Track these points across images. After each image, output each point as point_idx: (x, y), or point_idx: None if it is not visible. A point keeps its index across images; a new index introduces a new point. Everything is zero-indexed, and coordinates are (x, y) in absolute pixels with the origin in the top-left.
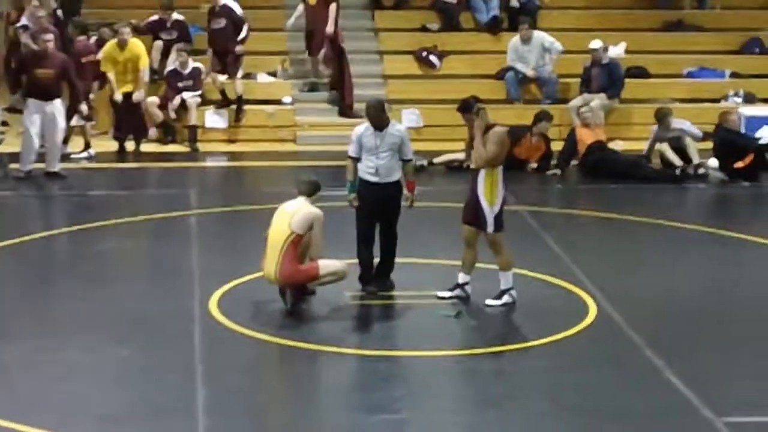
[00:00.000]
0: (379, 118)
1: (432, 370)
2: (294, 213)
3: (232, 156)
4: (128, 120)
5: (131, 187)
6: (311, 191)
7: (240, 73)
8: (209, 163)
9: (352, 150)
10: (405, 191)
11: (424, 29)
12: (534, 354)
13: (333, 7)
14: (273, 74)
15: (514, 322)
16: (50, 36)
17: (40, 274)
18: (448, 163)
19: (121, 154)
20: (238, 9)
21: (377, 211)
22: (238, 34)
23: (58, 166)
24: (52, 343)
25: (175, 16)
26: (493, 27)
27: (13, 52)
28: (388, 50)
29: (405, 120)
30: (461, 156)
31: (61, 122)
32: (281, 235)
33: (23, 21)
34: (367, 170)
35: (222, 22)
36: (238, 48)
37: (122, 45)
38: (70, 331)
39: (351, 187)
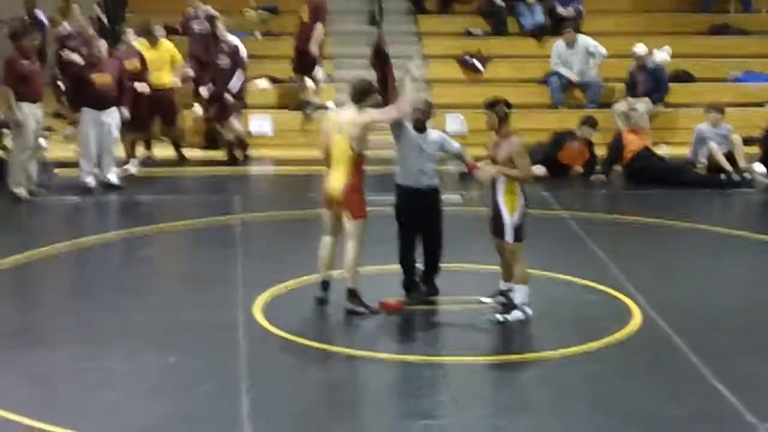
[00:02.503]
0: (426, 116)
1: (474, 376)
2: (348, 129)
3: (276, 161)
4: (155, 110)
5: (174, 192)
6: (359, 97)
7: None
8: (253, 168)
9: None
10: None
11: (468, 34)
12: (577, 360)
13: (319, 26)
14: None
15: (557, 328)
16: (104, 42)
17: (83, 281)
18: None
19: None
20: (243, 52)
21: (418, 217)
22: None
23: (114, 176)
24: (93, 351)
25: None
26: (538, 32)
27: (62, 64)
28: (432, 55)
29: (449, 125)
30: None
31: (116, 132)
32: (343, 153)
33: (68, 29)
34: (406, 174)
35: (226, 61)
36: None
37: (153, 42)
38: (112, 338)
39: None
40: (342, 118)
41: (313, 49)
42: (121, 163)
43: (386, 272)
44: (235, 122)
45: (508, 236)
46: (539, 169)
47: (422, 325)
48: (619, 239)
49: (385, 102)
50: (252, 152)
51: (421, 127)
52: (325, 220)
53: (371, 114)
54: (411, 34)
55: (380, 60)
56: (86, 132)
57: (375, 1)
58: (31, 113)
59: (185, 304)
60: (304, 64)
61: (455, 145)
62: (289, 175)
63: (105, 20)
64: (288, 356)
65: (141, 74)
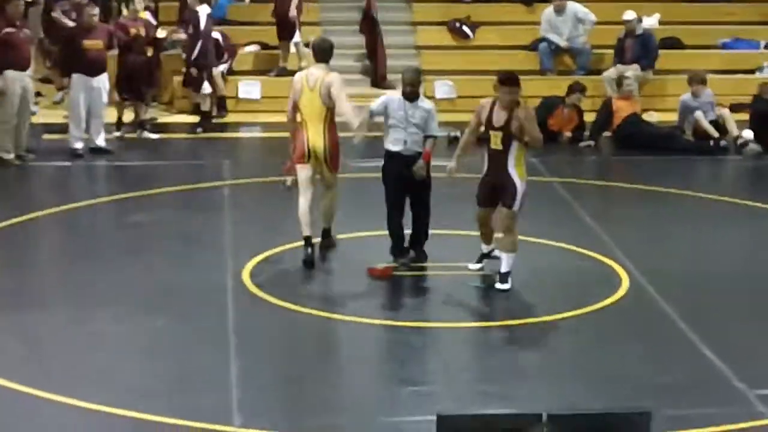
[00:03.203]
0: (416, 86)
1: (463, 341)
2: (320, 87)
3: (264, 126)
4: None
5: (162, 158)
6: (323, 56)
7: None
8: (241, 133)
9: (374, 107)
10: (420, 160)
11: (457, 0)
12: (566, 326)
13: None
14: (306, 45)
15: (546, 294)
16: (96, 9)
17: (72, 246)
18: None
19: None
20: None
21: (405, 182)
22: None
23: (103, 140)
24: (83, 314)
25: None
26: None
27: (49, 29)
28: (421, 21)
29: (438, 91)
30: None
31: (105, 97)
32: (319, 111)
33: None
34: (393, 141)
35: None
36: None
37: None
38: (102, 302)
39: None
40: (312, 77)
41: (292, 13)
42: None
43: (374, 237)
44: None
45: (516, 204)
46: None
47: (410, 291)
48: (607, 205)
49: (374, 67)
50: (241, 117)
51: (411, 97)
52: (301, 177)
53: (342, 97)
54: (400, 0)
55: (369, 25)
56: (76, 97)
57: None
58: (18, 80)
59: (174, 269)
60: (284, 30)
61: (434, 127)
62: (277, 140)
63: None
64: (276, 321)
65: (143, 41)
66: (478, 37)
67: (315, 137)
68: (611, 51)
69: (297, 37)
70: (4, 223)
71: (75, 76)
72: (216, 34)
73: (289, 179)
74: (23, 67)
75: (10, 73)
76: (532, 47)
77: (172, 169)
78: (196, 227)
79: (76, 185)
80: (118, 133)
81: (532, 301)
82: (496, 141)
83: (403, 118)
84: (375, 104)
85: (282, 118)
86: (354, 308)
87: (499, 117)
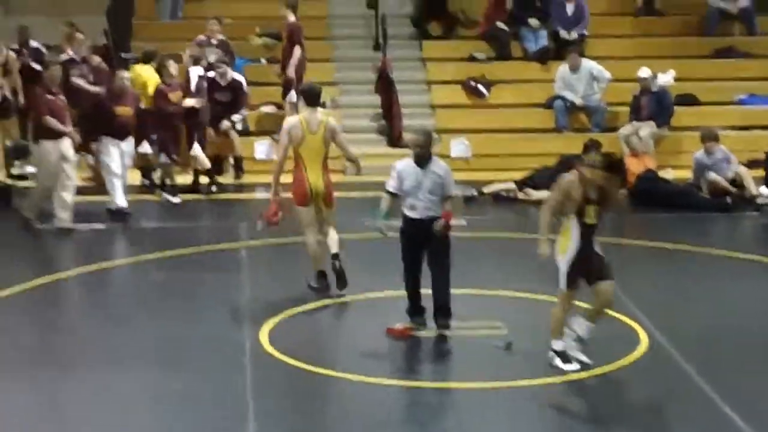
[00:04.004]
0: (426, 150)
1: (481, 402)
2: (323, 130)
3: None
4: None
5: (179, 219)
6: (315, 100)
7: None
8: (258, 194)
9: (391, 185)
10: (438, 222)
11: (472, 59)
12: (585, 385)
13: (296, 50)
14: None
15: None
16: (126, 73)
17: (93, 306)
18: (498, 193)
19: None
20: (245, 85)
21: (422, 245)
22: (237, 108)
23: (124, 202)
24: (102, 375)
25: (221, 36)
26: (542, 56)
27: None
28: (437, 80)
29: (454, 150)
30: (511, 186)
31: (130, 160)
32: (319, 153)
33: (70, 54)
34: (409, 207)
35: (227, 96)
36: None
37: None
38: (121, 362)
39: (383, 215)
40: (314, 121)
41: (290, 72)
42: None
43: (392, 298)
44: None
45: (560, 281)
46: (544, 194)
47: (428, 351)
48: (624, 263)
49: (390, 126)
50: (259, 178)
51: (421, 162)
52: (304, 217)
53: (346, 142)
54: (415, 59)
55: (384, 85)
56: (110, 159)
57: (380, 26)
58: (56, 148)
59: (192, 330)
60: (284, 89)
61: (450, 188)
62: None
63: (111, 47)
64: (294, 382)
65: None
66: (494, 96)
67: (316, 179)
68: (627, 108)
69: (293, 96)
70: (27, 285)
71: (105, 139)
72: (240, 78)
73: (260, 223)
74: (61, 135)
75: (47, 144)
76: (548, 105)
77: (190, 230)
78: (214, 288)
79: (96, 247)
80: (176, 199)
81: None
82: (591, 215)
83: (416, 185)
84: (391, 182)
85: None
86: (373, 369)
87: (594, 191)
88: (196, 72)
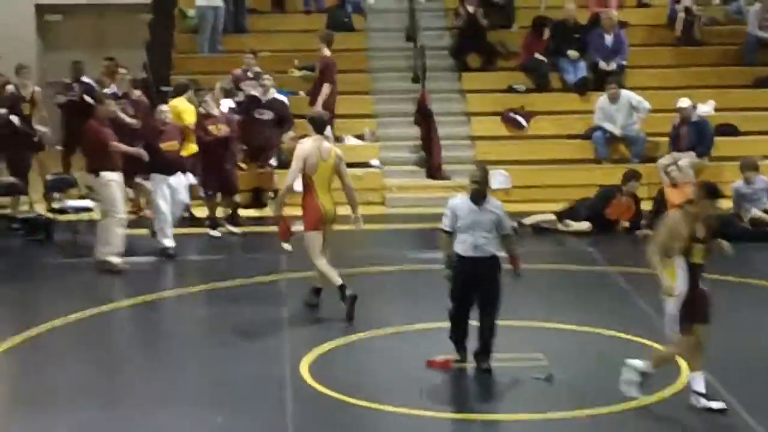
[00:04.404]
0: (485, 186)
1: None
2: (334, 158)
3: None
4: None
5: (219, 252)
6: (322, 128)
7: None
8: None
9: (446, 223)
10: (511, 267)
11: (510, 90)
12: (627, 418)
13: (325, 87)
14: (360, 137)
15: (606, 385)
16: (167, 107)
17: (135, 341)
18: (538, 224)
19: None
20: (287, 103)
21: (473, 285)
22: (282, 128)
23: (170, 242)
24: (144, 410)
25: (257, 68)
26: (581, 87)
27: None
28: (476, 111)
29: (493, 181)
30: (550, 217)
31: (184, 197)
32: (329, 179)
33: (112, 89)
34: (462, 245)
35: (268, 114)
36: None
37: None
38: (161, 397)
39: (449, 262)
40: (325, 149)
41: (317, 108)
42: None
43: (433, 329)
44: None
45: (665, 325)
46: (584, 225)
47: (469, 383)
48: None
49: (429, 158)
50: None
51: (478, 199)
52: (316, 242)
53: (347, 172)
54: (454, 91)
55: (423, 117)
56: (160, 196)
57: (418, 58)
58: (115, 180)
59: (233, 363)
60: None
61: (508, 226)
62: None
63: (150, 80)
64: (336, 415)
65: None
66: (533, 127)
67: (328, 203)
68: (666, 138)
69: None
70: (70, 319)
71: (154, 176)
72: (282, 97)
73: (288, 245)
74: (118, 168)
75: (109, 175)
76: (587, 136)
77: (229, 263)
78: (254, 321)
79: (138, 280)
80: (216, 233)
81: (590, 393)
82: (698, 254)
83: (472, 223)
84: (445, 220)
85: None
86: (414, 401)
87: (700, 229)
88: (226, 104)
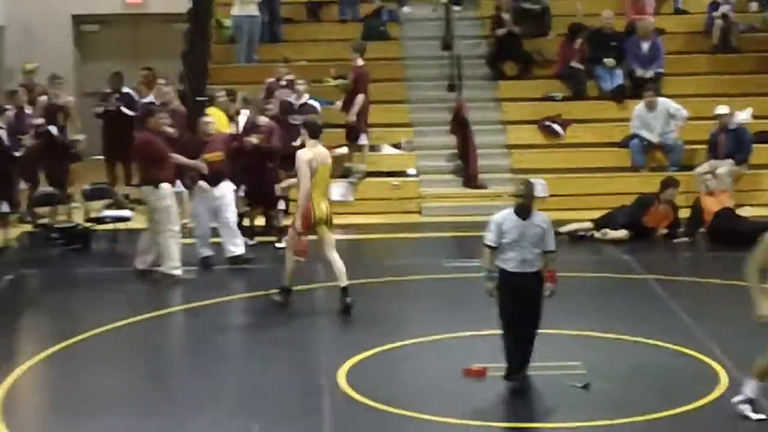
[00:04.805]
0: (530, 200)
1: None
2: (329, 161)
3: (357, 229)
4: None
5: (256, 260)
6: (317, 133)
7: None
8: (335, 235)
9: (490, 238)
10: (546, 283)
11: (547, 98)
12: (665, 425)
13: (359, 97)
14: (397, 146)
15: (644, 393)
16: (211, 118)
17: (168, 350)
18: (574, 233)
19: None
20: (319, 109)
21: (518, 301)
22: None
23: (241, 248)
24: (179, 420)
25: (289, 76)
26: (618, 95)
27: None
28: (512, 120)
29: None
30: (587, 225)
31: (233, 205)
32: (326, 182)
33: (150, 98)
34: (507, 260)
35: (300, 120)
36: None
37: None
38: (198, 406)
39: (489, 275)
40: (321, 154)
41: (350, 117)
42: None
43: (468, 338)
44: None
45: None
46: (621, 233)
47: (506, 391)
48: (703, 302)
49: (466, 167)
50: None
51: (523, 212)
52: (296, 241)
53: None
54: (491, 99)
55: (460, 126)
56: (198, 208)
57: (454, 67)
58: (171, 192)
59: (271, 371)
60: (349, 132)
61: (552, 241)
62: (370, 241)
63: (187, 90)
64: (372, 424)
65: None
66: (569, 135)
67: (322, 205)
68: (704, 146)
69: (363, 140)
70: (108, 327)
71: (197, 186)
72: (314, 103)
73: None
74: (173, 180)
75: (165, 186)
76: (624, 144)
77: (266, 272)
78: (291, 330)
79: (175, 289)
80: (252, 242)
81: (630, 400)
82: None
83: (517, 238)
84: (490, 235)
85: (371, 218)
86: (451, 410)
87: None
88: (245, 115)
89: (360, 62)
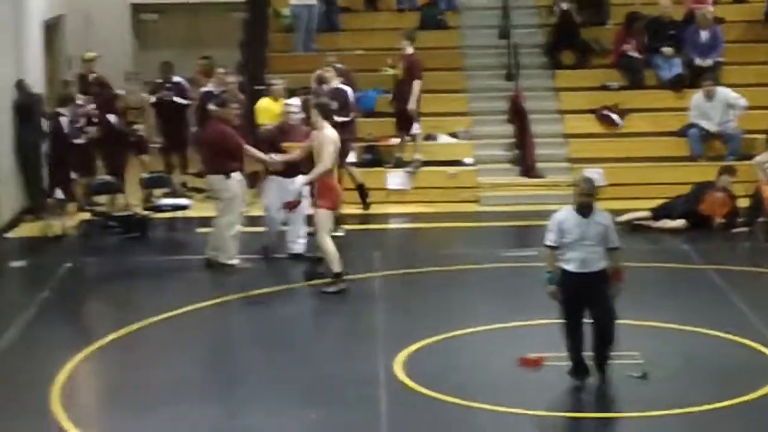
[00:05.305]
0: (593, 199)
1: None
2: (339, 141)
3: (414, 218)
4: None
5: (314, 250)
6: (329, 114)
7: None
8: (392, 224)
9: (551, 238)
10: (612, 281)
11: (604, 88)
12: (723, 415)
13: (415, 84)
14: (454, 135)
15: (701, 384)
16: (296, 108)
17: (227, 339)
18: (632, 222)
19: None
20: (351, 95)
21: (584, 301)
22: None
23: (301, 247)
24: (237, 407)
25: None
26: (676, 84)
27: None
28: (569, 109)
29: None
30: (645, 214)
31: (306, 201)
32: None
33: (209, 88)
34: (569, 260)
35: (333, 105)
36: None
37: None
38: (255, 394)
39: (552, 278)
40: (336, 134)
41: (411, 106)
42: None
43: (523, 327)
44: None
45: None
46: (679, 222)
47: (562, 381)
48: (763, 292)
49: (523, 156)
50: (391, 208)
51: (585, 211)
52: (328, 222)
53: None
54: (548, 89)
55: (517, 115)
56: (270, 199)
57: (512, 56)
58: (240, 181)
59: (328, 360)
60: (402, 121)
61: (615, 239)
62: (427, 230)
63: (245, 79)
64: (429, 414)
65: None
66: (627, 124)
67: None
68: (763, 135)
69: (416, 129)
70: (163, 316)
71: (270, 178)
72: (346, 88)
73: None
74: (242, 169)
75: (237, 176)
76: (682, 133)
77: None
78: (349, 319)
79: (237, 277)
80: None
81: (687, 391)
82: None
83: (579, 237)
84: (550, 235)
85: (428, 208)
86: (508, 400)
87: None
88: (293, 103)
89: (410, 50)
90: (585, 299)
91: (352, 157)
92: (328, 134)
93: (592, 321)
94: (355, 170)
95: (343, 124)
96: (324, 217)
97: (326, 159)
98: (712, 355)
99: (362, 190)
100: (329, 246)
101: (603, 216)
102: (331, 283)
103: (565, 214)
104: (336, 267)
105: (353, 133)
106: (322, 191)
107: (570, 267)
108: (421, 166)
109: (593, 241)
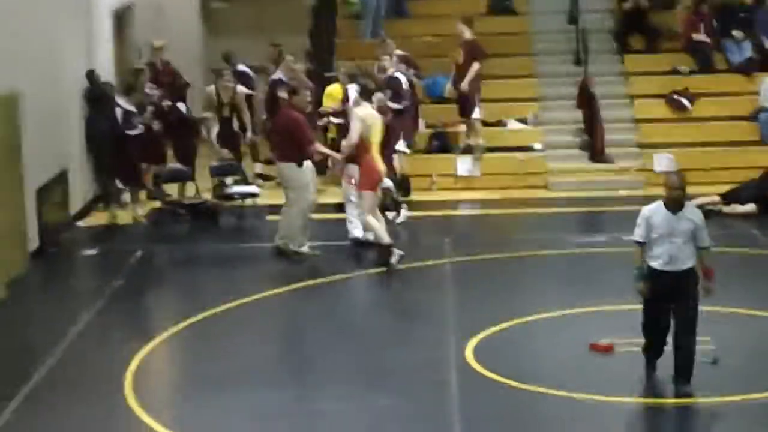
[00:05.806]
0: (683, 193)
1: (693, 417)
2: (379, 120)
3: (483, 204)
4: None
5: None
6: (370, 94)
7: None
8: (461, 211)
9: (638, 234)
10: (702, 280)
11: (674, 72)
12: None
13: (474, 65)
14: (523, 121)
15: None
16: (381, 95)
17: (297, 325)
18: (702, 207)
19: None
20: (405, 83)
21: (669, 300)
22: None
23: (360, 231)
24: (308, 393)
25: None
26: (746, 68)
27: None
28: (639, 94)
29: (657, 164)
30: (715, 199)
31: (353, 188)
32: (378, 139)
33: (278, 75)
34: (656, 257)
35: (387, 94)
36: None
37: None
38: (326, 380)
39: (640, 274)
40: (375, 115)
41: (464, 86)
42: None
43: (594, 312)
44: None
45: None
46: (750, 207)
47: (633, 367)
48: None
49: (592, 141)
50: (461, 194)
51: (674, 206)
52: (373, 201)
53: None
54: (617, 73)
55: (586, 100)
56: (350, 188)
57: (581, 41)
58: (311, 169)
59: (397, 347)
60: (464, 106)
61: (705, 237)
62: (496, 216)
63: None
64: (501, 399)
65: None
66: (697, 109)
67: (381, 163)
68: None
69: (477, 114)
70: (235, 303)
71: (307, 164)
72: (400, 76)
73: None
74: (313, 156)
75: (308, 164)
76: (752, 117)
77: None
78: (419, 305)
79: (308, 264)
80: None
81: (757, 376)
82: None
83: (668, 233)
84: (638, 230)
85: (497, 194)
86: (579, 386)
87: None
88: (353, 89)
89: (468, 34)
90: (671, 299)
91: (401, 146)
92: (356, 111)
93: (674, 321)
94: (401, 159)
95: (395, 111)
96: (367, 197)
97: (351, 134)
98: None
99: (405, 181)
100: (374, 222)
101: (694, 212)
102: (388, 257)
103: (653, 208)
104: (386, 239)
105: (406, 121)
106: (363, 172)
107: (656, 264)
108: (484, 152)
109: (682, 238)
